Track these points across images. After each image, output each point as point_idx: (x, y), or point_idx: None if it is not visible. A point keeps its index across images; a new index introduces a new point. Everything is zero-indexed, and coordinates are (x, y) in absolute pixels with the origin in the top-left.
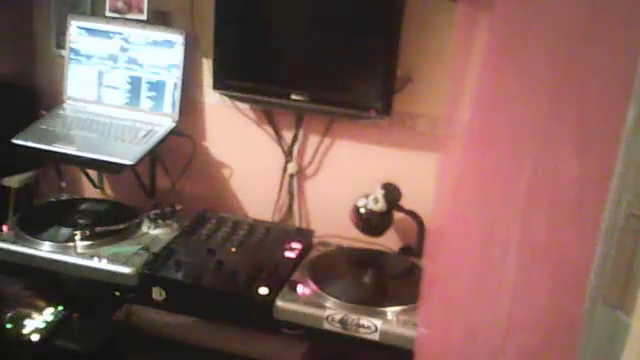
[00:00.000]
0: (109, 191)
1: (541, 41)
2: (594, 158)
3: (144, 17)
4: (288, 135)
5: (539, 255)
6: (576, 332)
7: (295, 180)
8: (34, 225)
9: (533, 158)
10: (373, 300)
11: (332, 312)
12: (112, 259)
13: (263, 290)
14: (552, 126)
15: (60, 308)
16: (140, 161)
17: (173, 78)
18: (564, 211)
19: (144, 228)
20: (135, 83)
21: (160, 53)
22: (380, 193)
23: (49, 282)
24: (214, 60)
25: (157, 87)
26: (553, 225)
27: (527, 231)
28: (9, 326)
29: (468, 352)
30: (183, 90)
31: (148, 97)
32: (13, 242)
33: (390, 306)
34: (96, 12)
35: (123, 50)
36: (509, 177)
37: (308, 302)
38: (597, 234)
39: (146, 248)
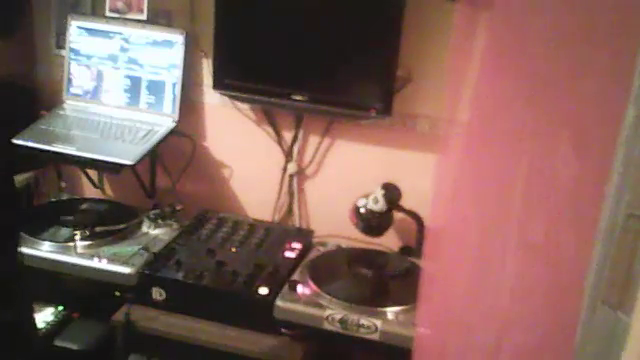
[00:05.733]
0: (109, 191)
1: (539, 41)
2: (591, 158)
3: (144, 17)
4: (288, 135)
5: (537, 255)
6: (573, 331)
7: (295, 180)
8: (34, 225)
9: (531, 158)
10: (373, 300)
11: (332, 312)
12: (112, 259)
13: (263, 290)
14: (550, 126)
15: (60, 308)
16: (140, 161)
17: (173, 78)
18: (561, 211)
19: (144, 228)
20: (135, 83)
21: (160, 53)
22: (380, 193)
23: (49, 282)
24: (214, 60)
25: (157, 87)
26: (551, 225)
27: (525, 231)
28: None
29: (466, 351)
30: (183, 90)
31: (148, 97)
32: None
33: (390, 306)
34: (96, 12)
35: (123, 50)
36: (507, 177)
37: (308, 302)
38: (594, 233)
39: (146, 248)
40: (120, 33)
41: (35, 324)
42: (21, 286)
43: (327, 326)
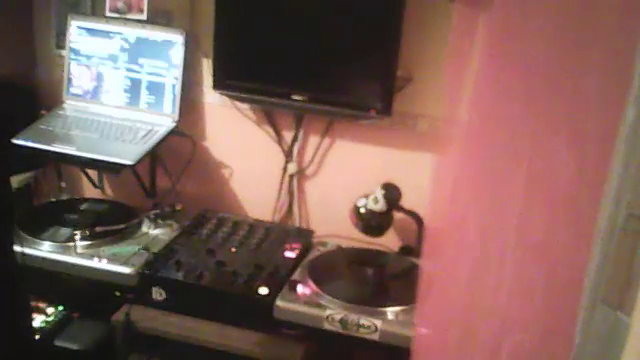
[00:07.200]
0: (109, 191)
1: (538, 40)
2: (590, 157)
3: (144, 17)
4: (288, 135)
5: (536, 254)
6: (573, 331)
7: (295, 180)
8: (34, 225)
9: (530, 158)
10: (373, 300)
11: (332, 312)
12: (112, 259)
13: (263, 290)
14: (549, 126)
15: (60, 308)
16: (140, 161)
17: (173, 78)
18: (560, 210)
19: (144, 228)
20: (135, 83)
21: (160, 53)
22: (380, 193)
23: (49, 282)
24: (214, 60)
25: (157, 87)
26: (549, 224)
27: (524, 230)
28: None
29: (465, 351)
30: (183, 90)
31: (148, 97)
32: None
33: (390, 306)
34: (96, 12)
35: (123, 50)
36: (506, 177)
37: (308, 302)
38: (593, 233)
39: (146, 248)
40: (120, 33)
41: (31, 319)
42: (20, 283)
43: (327, 326)
